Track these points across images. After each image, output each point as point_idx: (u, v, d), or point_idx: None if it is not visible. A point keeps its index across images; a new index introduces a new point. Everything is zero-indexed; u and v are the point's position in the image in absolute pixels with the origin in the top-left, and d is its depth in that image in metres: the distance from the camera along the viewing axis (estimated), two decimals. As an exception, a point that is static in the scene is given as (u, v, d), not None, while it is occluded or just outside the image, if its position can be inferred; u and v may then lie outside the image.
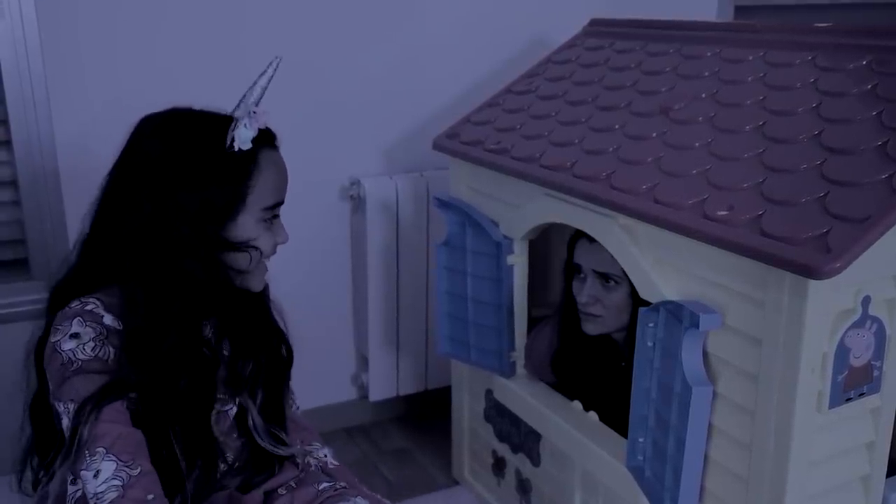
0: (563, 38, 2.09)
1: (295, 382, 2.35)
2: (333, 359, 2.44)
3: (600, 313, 1.65)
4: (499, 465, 2.00)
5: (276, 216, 1.32)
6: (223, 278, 1.26)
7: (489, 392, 1.97)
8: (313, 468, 1.46)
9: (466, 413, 2.10)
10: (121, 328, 1.20)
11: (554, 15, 2.35)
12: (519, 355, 1.85)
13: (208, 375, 1.27)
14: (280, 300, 1.48)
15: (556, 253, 1.96)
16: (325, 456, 1.50)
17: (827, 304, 1.17)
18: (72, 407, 1.14)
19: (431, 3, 2.29)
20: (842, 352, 1.20)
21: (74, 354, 1.17)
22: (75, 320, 1.19)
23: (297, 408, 1.56)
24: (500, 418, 1.95)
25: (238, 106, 1.28)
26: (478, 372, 1.99)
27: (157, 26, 2.01)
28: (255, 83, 1.29)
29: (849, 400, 1.24)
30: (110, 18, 1.96)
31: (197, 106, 1.31)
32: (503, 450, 1.96)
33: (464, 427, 2.12)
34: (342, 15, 2.19)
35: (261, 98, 1.28)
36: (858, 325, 1.21)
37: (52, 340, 1.19)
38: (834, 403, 1.22)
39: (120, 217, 1.23)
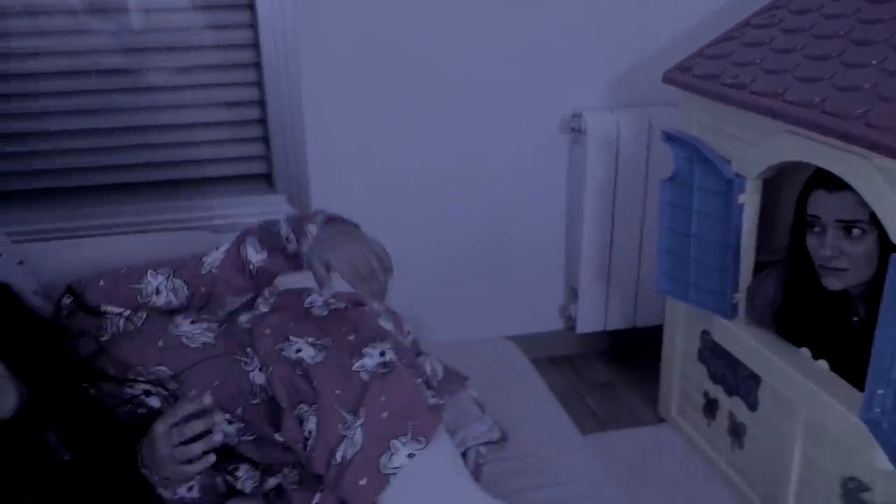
0: (811, -33, 1.96)
1: (503, 309, 2.43)
2: (542, 289, 2.48)
3: (845, 266, 1.55)
4: (710, 407, 1.98)
5: None
6: None
7: (705, 333, 1.94)
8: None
9: (679, 352, 2.09)
10: None
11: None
12: (742, 297, 1.80)
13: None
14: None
15: (788, 197, 1.88)
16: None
17: None
18: None
19: (667, -70, 2.21)
20: None
21: None
22: None
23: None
24: (716, 360, 1.92)
25: None
26: (694, 311, 1.97)
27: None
28: None
29: None
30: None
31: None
32: (716, 391, 1.94)
33: (674, 366, 2.11)
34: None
35: None
36: None
37: None
38: None
39: None
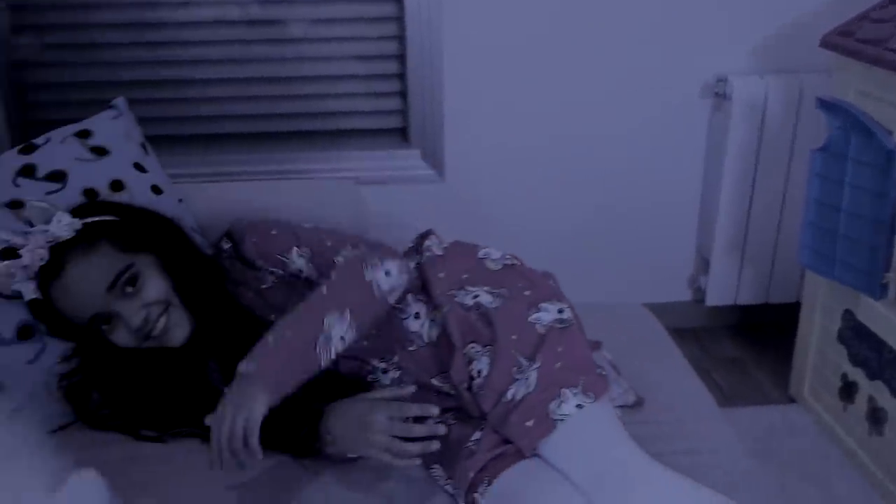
0: None
1: (630, 275, 2.39)
2: (672, 257, 2.42)
3: None
4: (848, 390, 1.89)
5: None
6: None
7: (848, 312, 1.86)
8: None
9: (816, 331, 2.00)
10: None
11: None
12: (894, 277, 1.71)
13: None
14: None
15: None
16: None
17: None
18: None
19: None
20: None
21: None
22: None
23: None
24: (858, 341, 1.84)
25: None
26: (837, 289, 1.88)
27: None
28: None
29: None
30: None
31: None
32: (856, 374, 1.85)
33: (810, 345, 2.03)
34: None
35: None
36: None
37: None
38: None
39: None
